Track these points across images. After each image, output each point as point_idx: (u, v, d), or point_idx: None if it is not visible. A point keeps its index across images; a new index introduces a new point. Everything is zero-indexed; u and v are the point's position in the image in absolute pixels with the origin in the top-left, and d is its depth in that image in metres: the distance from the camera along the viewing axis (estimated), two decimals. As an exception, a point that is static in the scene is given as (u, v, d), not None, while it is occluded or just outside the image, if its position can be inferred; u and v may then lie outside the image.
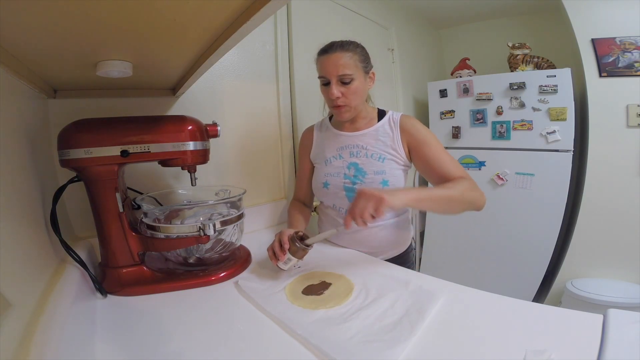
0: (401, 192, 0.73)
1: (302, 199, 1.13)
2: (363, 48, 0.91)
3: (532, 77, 1.84)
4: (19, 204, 0.56)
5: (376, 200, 0.68)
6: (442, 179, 0.87)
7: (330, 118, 1.07)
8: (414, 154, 0.93)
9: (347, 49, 0.86)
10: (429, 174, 0.91)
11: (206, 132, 0.80)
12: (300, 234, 0.80)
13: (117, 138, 0.70)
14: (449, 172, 0.86)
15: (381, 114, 0.99)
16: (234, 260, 0.87)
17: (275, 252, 0.78)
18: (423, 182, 2.39)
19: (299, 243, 0.77)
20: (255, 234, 1.17)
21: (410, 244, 1.07)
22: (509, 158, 1.95)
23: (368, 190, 0.70)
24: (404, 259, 1.03)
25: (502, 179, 1.98)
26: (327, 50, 0.88)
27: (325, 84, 0.90)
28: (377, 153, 0.94)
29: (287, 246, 0.77)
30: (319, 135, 1.06)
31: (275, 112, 1.33)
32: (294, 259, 0.77)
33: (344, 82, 0.87)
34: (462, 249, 2.18)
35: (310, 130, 1.10)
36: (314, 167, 1.07)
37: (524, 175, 1.91)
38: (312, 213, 1.34)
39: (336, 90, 0.87)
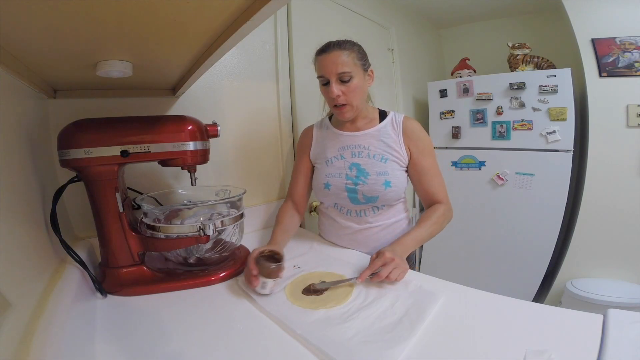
0: (404, 250, 0.83)
1: (295, 199, 1.07)
2: (360, 46, 0.91)
3: (532, 77, 1.84)
4: (19, 204, 0.56)
5: (404, 271, 0.75)
6: (428, 194, 0.96)
7: (330, 118, 1.05)
8: (411, 160, 0.94)
9: (344, 48, 0.86)
10: (416, 183, 0.97)
11: (206, 132, 0.80)
12: (268, 251, 0.74)
13: (117, 138, 0.70)
14: (435, 192, 0.95)
15: (382, 114, 0.98)
16: (234, 260, 0.87)
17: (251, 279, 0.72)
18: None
19: (265, 261, 0.71)
20: (255, 234, 1.17)
21: None
22: (509, 158, 1.95)
23: (397, 258, 0.74)
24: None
25: (502, 179, 1.98)
26: (325, 50, 0.88)
27: (325, 83, 0.89)
28: (380, 154, 0.93)
29: (255, 272, 0.70)
30: (318, 135, 1.05)
31: (275, 111, 1.33)
32: (270, 281, 0.70)
33: (343, 80, 0.86)
34: (462, 249, 2.18)
35: (309, 130, 1.08)
36: (312, 167, 1.06)
37: (524, 175, 1.91)
38: (312, 213, 1.34)
39: (336, 88, 0.86)
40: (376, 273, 0.72)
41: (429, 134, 0.97)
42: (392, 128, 0.95)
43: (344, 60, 0.85)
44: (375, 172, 0.92)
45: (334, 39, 0.90)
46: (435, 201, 0.95)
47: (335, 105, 0.90)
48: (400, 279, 0.74)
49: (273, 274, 0.70)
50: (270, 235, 0.94)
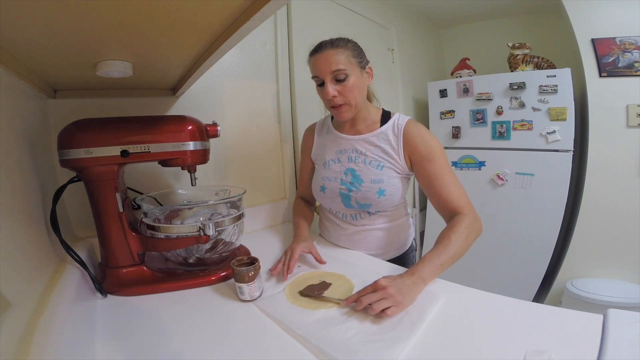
0: (419, 284, 0.67)
1: (305, 196, 1.13)
2: (355, 43, 0.87)
3: (532, 77, 1.84)
4: (19, 204, 0.56)
5: (396, 306, 0.61)
6: (442, 203, 0.84)
7: (332, 117, 1.03)
8: (416, 167, 0.87)
9: (337, 46, 0.82)
10: (428, 191, 0.87)
11: (206, 132, 0.80)
12: (245, 259, 0.74)
13: (117, 138, 0.70)
14: (450, 198, 0.82)
15: (385, 116, 0.93)
16: (234, 260, 0.87)
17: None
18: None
19: (235, 267, 0.70)
20: (255, 234, 1.17)
21: (411, 245, 1.06)
22: (509, 158, 1.95)
23: (391, 289, 0.62)
24: (405, 260, 1.02)
25: (502, 179, 1.98)
26: (318, 49, 0.85)
27: (320, 84, 0.86)
28: (376, 160, 0.90)
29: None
30: (319, 136, 1.05)
31: (275, 111, 1.33)
32: (245, 285, 0.69)
33: (339, 79, 0.82)
34: (462, 249, 2.17)
35: (311, 130, 1.08)
36: (314, 166, 1.07)
37: (524, 175, 1.91)
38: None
39: (332, 88, 0.82)
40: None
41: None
42: (392, 133, 0.89)
43: (338, 59, 0.81)
44: (369, 179, 0.89)
45: (328, 38, 0.86)
46: (454, 210, 0.81)
47: (333, 106, 0.86)
48: (390, 315, 0.60)
49: (244, 279, 0.69)
50: (294, 231, 0.99)
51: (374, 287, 0.64)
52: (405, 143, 0.88)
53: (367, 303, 0.61)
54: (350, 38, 0.87)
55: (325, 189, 0.97)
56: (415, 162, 0.87)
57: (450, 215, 0.82)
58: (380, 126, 0.92)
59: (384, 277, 0.66)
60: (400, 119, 0.91)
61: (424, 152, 0.85)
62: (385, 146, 0.89)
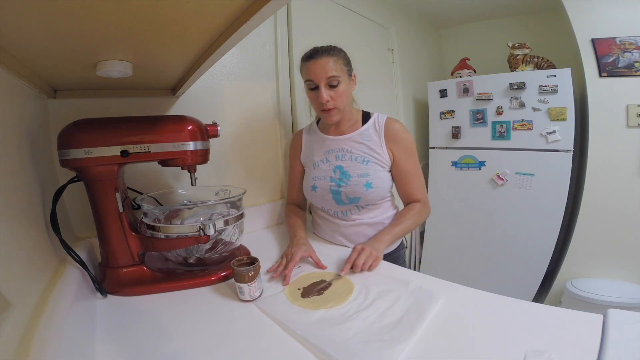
0: (380, 244, 0.88)
1: (296, 202, 1.15)
2: (345, 52, 0.95)
3: (532, 77, 1.84)
4: (19, 204, 0.56)
5: (374, 259, 0.81)
6: (406, 195, 1.01)
7: (318, 122, 1.09)
8: (394, 162, 0.97)
9: (332, 54, 0.89)
10: (397, 183, 1.01)
11: (206, 132, 0.80)
12: (245, 259, 0.74)
13: (117, 138, 0.70)
14: (413, 193, 1.00)
15: (366, 116, 1.01)
16: (234, 260, 0.87)
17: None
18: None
19: (235, 267, 0.70)
20: (255, 234, 1.17)
21: (402, 243, 1.09)
22: (509, 158, 1.95)
23: (368, 248, 0.83)
24: (395, 257, 1.04)
25: (502, 179, 1.98)
26: (313, 55, 0.90)
27: (312, 88, 0.91)
28: (361, 156, 0.96)
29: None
30: (307, 139, 1.09)
31: (275, 111, 1.33)
32: (245, 285, 0.69)
33: (332, 85, 0.89)
34: (462, 249, 2.18)
35: (299, 134, 1.12)
36: (304, 169, 1.09)
37: (524, 175, 1.91)
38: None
39: (325, 93, 0.89)
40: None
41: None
42: (374, 130, 0.97)
43: (333, 66, 0.88)
44: (356, 174, 0.95)
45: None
46: (414, 200, 0.99)
47: (324, 110, 0.92)
48: (375, 265, 0.81)
49: (244, 279, 0.69)
50: (291, 233, 1.01)
51: (357, 252, 0.82)
52: (386, 139, 0.96)
53: (361, 263, 0.79)
54: (341, 47, 0.95)
55: (316, 187, 1.01)
56: (395, 157, 0.97)
57: (410, 202, 1.01)
58: (362, 125, 0.99)
59: (358, 245, 0.85)
60: (379, 117, 1.00)
61: (403, 149, 0.96)
62: (369, 143, 0.97)
